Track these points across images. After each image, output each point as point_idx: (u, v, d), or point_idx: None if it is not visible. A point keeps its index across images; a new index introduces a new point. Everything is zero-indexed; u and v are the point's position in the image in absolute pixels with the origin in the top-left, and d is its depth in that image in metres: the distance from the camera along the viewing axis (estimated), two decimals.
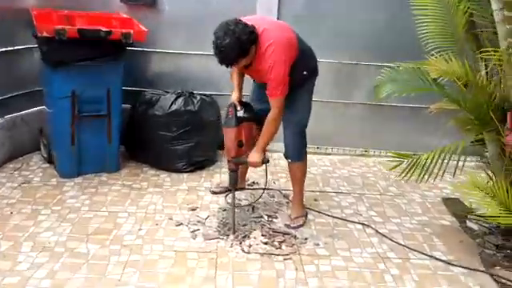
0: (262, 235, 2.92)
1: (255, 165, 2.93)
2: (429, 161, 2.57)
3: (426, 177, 2.64)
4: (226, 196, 3.34)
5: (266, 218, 3.14)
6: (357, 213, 3.33)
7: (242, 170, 3.27)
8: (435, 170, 2.69)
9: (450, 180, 3.82)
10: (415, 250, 2.89)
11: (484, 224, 3.19)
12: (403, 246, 2.94)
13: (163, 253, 2.69)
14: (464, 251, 2.94)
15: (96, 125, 3.54)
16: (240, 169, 3.07)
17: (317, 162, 4.22)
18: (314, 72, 2.96)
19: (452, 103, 2.68)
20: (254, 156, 2.88)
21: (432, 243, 3.00)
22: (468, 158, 3.00)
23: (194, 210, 3.20)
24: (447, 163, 2.64)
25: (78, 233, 2.83)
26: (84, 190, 3.37)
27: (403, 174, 2.68)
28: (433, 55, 2.80)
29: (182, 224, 3.00)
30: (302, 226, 3.05)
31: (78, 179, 3.54)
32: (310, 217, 3.21)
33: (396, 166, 2.71)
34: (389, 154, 4.29)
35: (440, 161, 2.59)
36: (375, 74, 4.25)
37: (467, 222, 3.30)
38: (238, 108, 2.89)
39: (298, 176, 3.13)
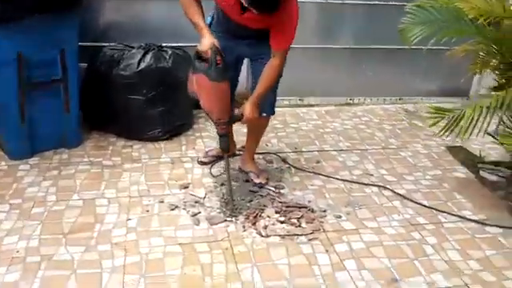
0: (276, 212, 2.49)
1: (252, 120, 2.46)
2: (476, 115, 2.20)
3: (467, 134, 2.28)
4: (212, 166, 2.86)
5: (272, 189, 2.71)
6: (367, 173, 2.97)
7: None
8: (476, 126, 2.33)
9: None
10: (443, 212, 2.60)
11: (500, 174, 2.96)
12: (429, 207, 2.64)
13: (166, 248, 2.20)
14: (490, 207, 2.70)
15: (49, 92, 2.90)
16: None
17: (303, 116, 3.81)
18: None
19: (487, 46, 2.30)
20: (251, 109, 2.41)
21: (456, 201, 2.73)
22: None
23: (186, 187, 2.71)
24: (491, 118, 2.29)
25: (51, 233, 2.27)
26: (45, 174, 2.77)
27: (443, 132, 2.31)
28: None
29: (177, 207, 2.51)
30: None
31: (34, 159, 2.93)
32: (320, 183, 2.83)
33: (435, 123, 2.34)
34: (379, 101, 4.01)
35: (482, 117, 2.24)
36: (363, 15, 3.89)
37: (480, 172, 3.06)
38: (223, 54, 2.34)
39: (263, 131, 2.81)
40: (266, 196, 2.64)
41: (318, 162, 3.07)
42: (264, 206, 2.55)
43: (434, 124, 2.32)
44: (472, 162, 3.18)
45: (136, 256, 2.14)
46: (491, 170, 3.07)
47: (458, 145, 3.44)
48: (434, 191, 2.82)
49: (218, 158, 2.93)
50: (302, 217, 2.47)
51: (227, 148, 2.49)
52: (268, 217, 2.46)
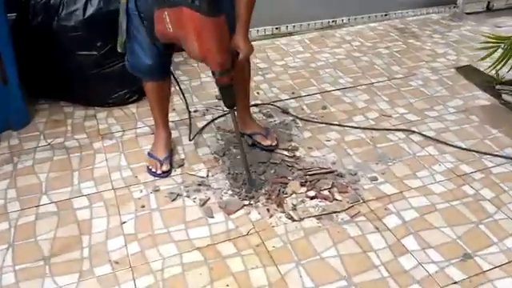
0: (301, 185, 2.04)
1: (251, 52, 1.91)
2: None
3: None
4: (191, 137, 2.33)
5: (285, 153, 2.23)
6: (384, 114, 2.55)
7: None
8: None
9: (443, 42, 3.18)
10: (485, 154, 2.25)
11: None
12: (468, 150, 2.27)
13: (182, 258, 1.73)
14: None
15: None
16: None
17: (287, 50, 3.27)
18: None
19: None
20: (245, 41, 1.86)
21: (492, 136, 2.39)
22: None
23: (181, 165, 2.18)
24: None
25: (28, 260, 1.72)
26: None
27: (496, 64, 1.86)
28: None
29: (179, 195, 2.00)
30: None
31: None
32: (336, 135, 2.38)
33: (490, 54, 1.89)
34: (365, 19, 3.51)
35: None
36: None
37: (503, 95, 2.71)
38: None
39: (249, 74, 2.25)
40: (280, 163, 2.16)
41: (324, 107, 2.60)
42: (283, 177, 2.08)
43: (487, 57, 1.87)
44: (489, 84, 2.82)
45: (148, 276, 1.66)
46: None
47: (467, 64, 3.06)
48: (465, 127, 2.45)
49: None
50: (332, 186, 2.04)
51: (234, 102, 1.95)
52: (294, 193, 2.00)
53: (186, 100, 2.26)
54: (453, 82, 2.86)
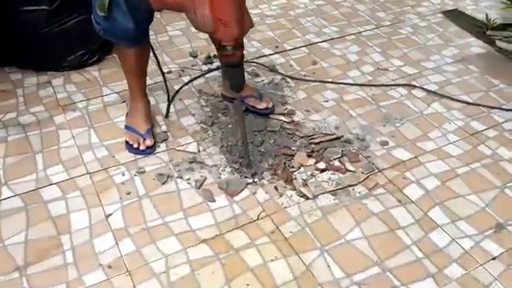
0: (308, 156, 1.80)
1: (251, 27, 1.67)
2: None
3: None
4: (167, 113, 2.00)
5: (282, 118, 1.97)
6: (380, 68, 2.33)
7: None
8: None
9: None
10: (493, 107, 2.11)
11: None
12: (475, 104, 2.12)
13: (188, 254, 1.47)
14: None
15: None
16: None
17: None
18: None
19: None
20: (247, 13, 1.61)
21: (496, 88, 2.26)
22: None
23: (164, 140, 1.87)
24: None
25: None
26: None
27: None
28: None
29: (169, 177, 1.71)
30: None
31: None
32: (333, 95, 2.15)
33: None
34: None
35: None
36: None
37: (497, 42, 2.55)
38: None
39: None
40: (279, 131, 1.91)
41: (314, 62, 2.34)
42: (286, 147, 1.83)
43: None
44: (480, 29, 2.65)
45: (151, 281, 1.39)
46: (505, 37, 2.57)
47: (453, 8, 2.86)
48: (466, 79, 2.28)
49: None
50: (342, 155, 1.81)
51: (243, 84, 1.65)
52: (301, 166, 1.76)
53: (157, 60, 1.88)
54: (443, 29, 2.66)
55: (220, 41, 1.49)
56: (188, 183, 1.69)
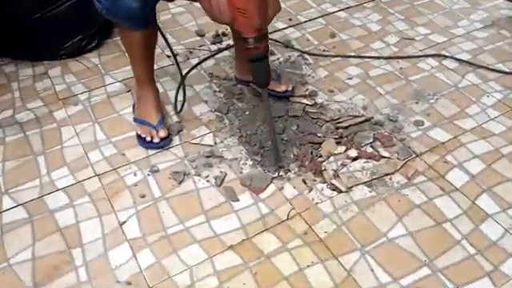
0: (337, 143, 1.63)
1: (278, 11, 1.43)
2: None
3: None
4: (179, 108, 1.78)
5: (305, 101, 1.79)
6: (406, 38, 2.13)
7: None
8: None
9: None
10: None
11: None
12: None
13: (214, 263, 1.32)
14: None
15: None
16: None
17: None
18: None
19: None
20: None
21: None
22: None
23: (180, 131, 1.70)
24: None
25: None
26: None
27: None
28: None
29: (186, 175, 1.55)
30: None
31: None
32: (357, 70, 1.97)
33: None
34: None
35: None
36: None
37: None
38: None
39: None
40: (302, 116, 1.73)
41: (332, 35, 2.14)
42: (311, 134, 1.66)
43: None
44: None
45: None
46: None
47: None
48: (499, 45, 2.09)
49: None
50: (375, 139, 1.64)
51: (269, 79, 1.45)
52: (330, 155, 1.59)
53: (169, 44, 1.69)
54: None
55: (240, 33, 1.29)
56: (207, 181, 1.52)
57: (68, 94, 1.86)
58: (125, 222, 1.42)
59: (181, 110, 1.73)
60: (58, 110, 1.79)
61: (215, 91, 1.85)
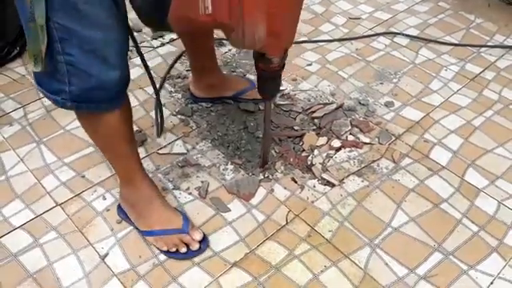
0: (316, 134, 1.56)
1: None
2: None
3: None
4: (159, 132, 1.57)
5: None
6: (352, 17, 2.12)
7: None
8: None
9: None
10: (480, 46, 1.98)
11: None
12: (462, 45, 1.99)
13: (221, 283, 1.19)
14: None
15: None
16: None
17: None
18: None
19: None
20: None
21: (475, 24, 2.15)
22: None
23: (143, 141, 1.52)
24: None
25: None
26: None
27: None
28: None
29: (164, 191, 1.38)
30: None
31: None
32: (313, 56, 1.91)
33: None
34: None
35: None
36: None
37: None
38: None
39: None
40: (273, 109, 1.62)
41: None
42: (287, 127, 1.56)
43: None
44: None
45: None
46: None
47: None
48: (442, 17, 2.14)
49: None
50: (352, 126, 1.59)
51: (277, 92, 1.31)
52: (313, 148, 1.51)
53: (150, 74, 1.32)
54: None
55: (264, 53, 1.13)
56: (189, 193, 1.37)
57: (0, 114, 1.59)
58: (107, 254, 1.23)
59: (161, 132, 1.52)
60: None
61: (171, 92, 1.69)
